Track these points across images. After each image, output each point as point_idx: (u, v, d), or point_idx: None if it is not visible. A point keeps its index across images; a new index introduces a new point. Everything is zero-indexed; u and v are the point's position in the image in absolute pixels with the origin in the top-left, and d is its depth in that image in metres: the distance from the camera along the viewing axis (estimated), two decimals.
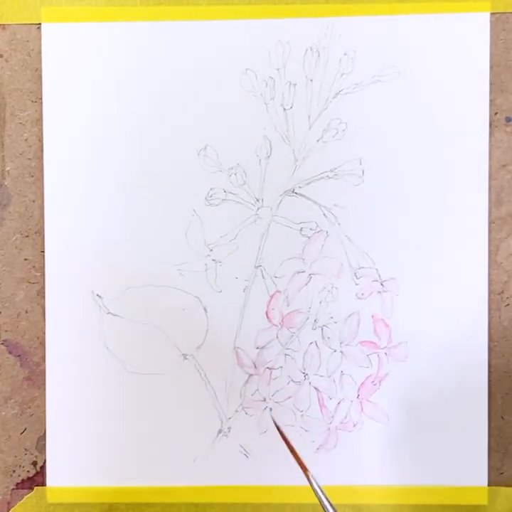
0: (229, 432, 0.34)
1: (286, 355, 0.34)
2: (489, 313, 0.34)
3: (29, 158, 0.35)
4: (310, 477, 0.29)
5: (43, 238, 0.34)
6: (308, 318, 0.34)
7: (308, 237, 0.34)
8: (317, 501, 0.34)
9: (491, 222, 0.34)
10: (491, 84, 0.34)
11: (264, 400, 0.34)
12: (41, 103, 0.34)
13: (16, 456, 0.35)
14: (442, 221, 0.34)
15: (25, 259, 0.35)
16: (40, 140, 0.34)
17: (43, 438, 0.35)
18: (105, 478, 0.35)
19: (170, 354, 0.34)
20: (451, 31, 0.34)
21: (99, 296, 0.34)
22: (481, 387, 0.34)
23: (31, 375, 0.35)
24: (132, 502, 0.35)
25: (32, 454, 0.35)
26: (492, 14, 0.33)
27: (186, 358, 0.34)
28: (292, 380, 0.34)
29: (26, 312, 0.35)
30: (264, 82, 0.34)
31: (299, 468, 0.30)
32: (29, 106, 0.35)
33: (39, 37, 0.34)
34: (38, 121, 0.34)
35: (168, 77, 0.34)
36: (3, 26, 0.34)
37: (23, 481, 0.35)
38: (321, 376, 0.34)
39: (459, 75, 0.34)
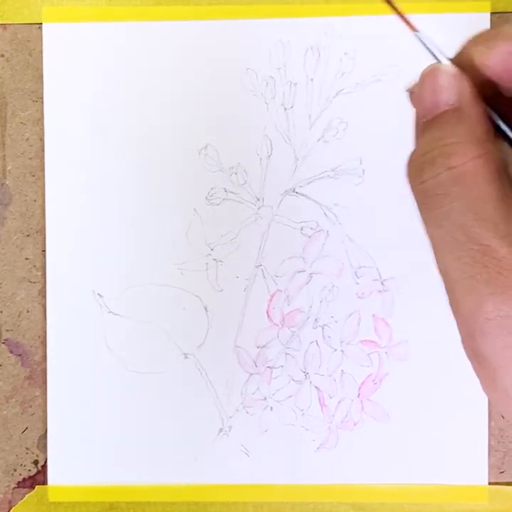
0: (230, 430, 0.34)
1: (286, 354, 0.34)
2: None
3: (30, 158, 0.35)
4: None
5: (44, 237, 0.35)
6: (308, 318, 0.34)
7: (309, 237, 0.34)
8: (317, 500, 0.34)
9: None
10: None
11: (265, 399, 0.34)
12: (42, 103, 0.34)
13: (17, 455, 0.35)
14: None
15: (27, 259, 0.35)
16: (41, 139, 0.34)
17: (44, 437, 0.35)
18: (106, 477, 0.35)
19: (171, 353, 0.34)
20: (451, 31, 0.34)
21: (100, 296, 0.34)
22: None
23: (32, 374, 0.35)
24: (133, 500, 0.35)
25: (33, 453, 0.35)
26: (492, 14, 0.33)
27: (187, 357, 0.34)
28: (293, 379, 0.34)
29: (27, 311, 0.35)
30: (265, 81, 0.34)
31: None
32: (30, 105, 0.35)
33: (40, 37, 0.34)
34: (39, 120, 0.34)
35: (169, 76, 0.34)
36: (5, 26, 0.34)
37: (24, 479, 0.35)
38: (322, 375, 0.34)
39: None
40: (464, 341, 0.22)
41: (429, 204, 0.22)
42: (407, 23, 0.25)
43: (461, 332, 0.22)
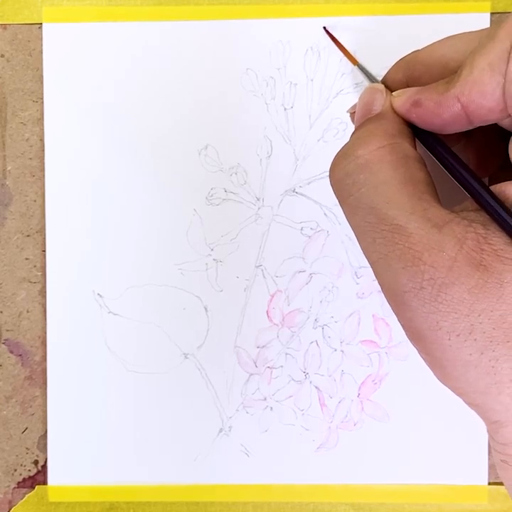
0: (230, 430, 0.34)
1: (286, 354, 0.34)
2: None
3: (30, 158, 0.35)
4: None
5: (44, 238, 0.35)
6: (308, 318, 0.34)
7: (309, 237, 0.34)
8: (317, 500, 0.34)
9: None
10: None
11: (265, 399, 0.34)
12: (42, 103, 0.34)
13: (17, 455, 0.35)
14: None
15: (27, 259, 0.35)
16: (41, 140, 0.34)
17: (44, 437, 0.35)
18: (106, 477, 0.35)
19: (171, 353, 0.34)
20: (451, 31, 0.34)
21: (100, 296, 0.34)
22: None
23: (32, 375, 0.35)
24: (133, 501, 0.35)
25: (33, 453, 0.35)
26: (492, 14, 0.33)
27: (187, 358, 0.34)
28: (293, 379, 0.34)
29: (27, 311, 0.35)
30: (265, 81, 0.34)
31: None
32: (30, 106, 0.35)
33: (40, 37, 0.34)
34: (39, 120, 0.35)
35: (169, 77, 0.34)
36: (5, 26, 0.34)
37: (24, 479, 0.35)
38: (322, 375, 0.34)
39: None
40: (398, 320, 0.22)
41: (343, 195, 0.24)
42: (349, 57, 0.31)
43: (393, 311, 0.22)
